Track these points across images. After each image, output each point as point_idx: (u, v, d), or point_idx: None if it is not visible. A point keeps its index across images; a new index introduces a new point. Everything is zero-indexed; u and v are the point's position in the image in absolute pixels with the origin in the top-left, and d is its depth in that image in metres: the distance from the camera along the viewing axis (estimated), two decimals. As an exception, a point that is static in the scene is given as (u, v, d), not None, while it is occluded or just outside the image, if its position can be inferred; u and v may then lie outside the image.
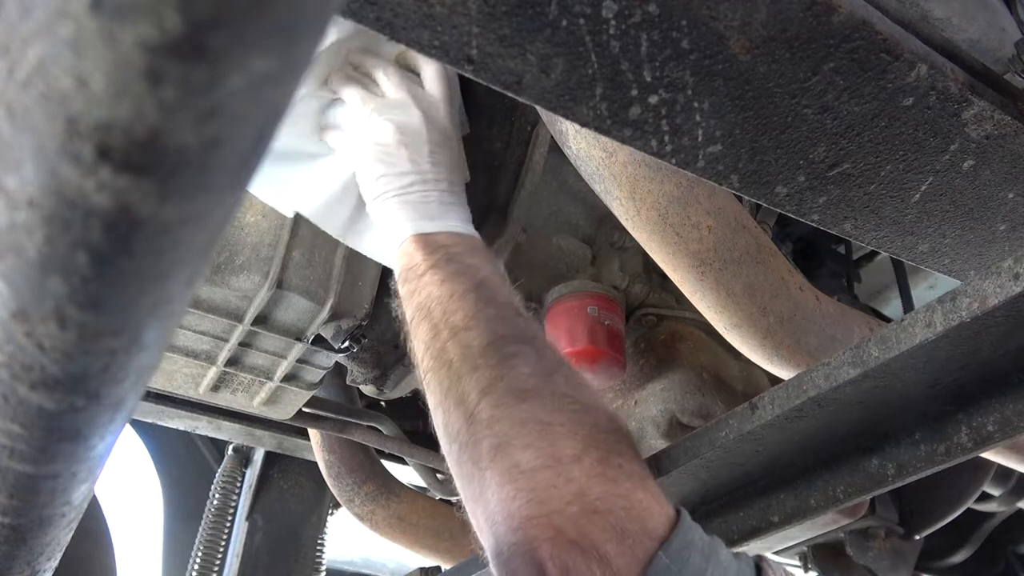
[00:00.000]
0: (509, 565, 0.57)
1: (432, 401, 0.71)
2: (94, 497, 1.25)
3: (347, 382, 1.21)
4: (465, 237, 0.81)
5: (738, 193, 0.71)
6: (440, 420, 0.70)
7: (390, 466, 1.72)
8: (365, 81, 0.89)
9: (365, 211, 0.90)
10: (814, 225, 0.77)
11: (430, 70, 0.91)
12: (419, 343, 0.75)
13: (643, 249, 0.97)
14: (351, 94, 0.88)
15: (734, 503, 0.90)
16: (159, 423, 1.52)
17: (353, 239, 0.94)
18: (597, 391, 0.70)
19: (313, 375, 1.16)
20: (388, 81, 0.88)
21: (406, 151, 0.83)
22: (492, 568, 0.60)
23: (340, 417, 1.45)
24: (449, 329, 0.71)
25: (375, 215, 0.85)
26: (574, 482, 0.58)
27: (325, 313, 1.01)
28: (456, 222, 0.82)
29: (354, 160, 0.88)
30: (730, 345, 1.03)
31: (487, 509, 0.61)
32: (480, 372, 0.66)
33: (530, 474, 0.59)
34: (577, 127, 0.72)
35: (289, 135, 0.91)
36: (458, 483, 0.67)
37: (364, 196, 0.87)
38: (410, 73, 0.92)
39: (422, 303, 0.75)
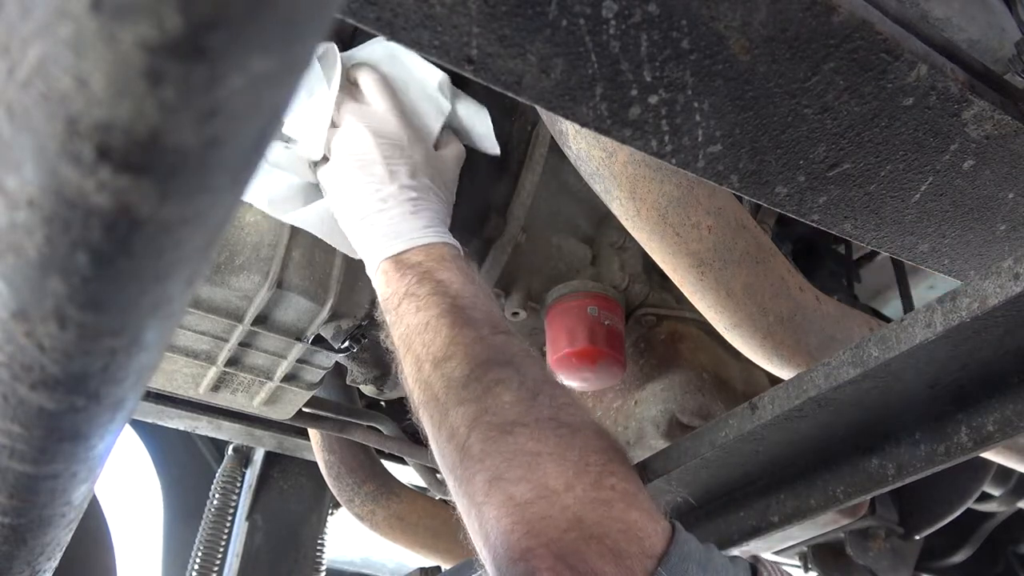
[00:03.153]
0: None
1: (428, 434, 0.72)
2: (94, 497, 1.25)
3: (347, 382, 1.21)
4: (434, 248, 0.80)
5: (738, 193, 0.71)
6: (436, 452, 0.70)
7: (390, 466, 1.72)
8: None
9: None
10: (814, 225, 0.77)
11: (367, 80, 0.90)
12: (408, 377, 0.75)
13: (643, 249, 0.97)
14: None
15: (734, 503, 0.91)
16: (159, 423, 1.52)
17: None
18: (583, 406, 0.70)
19: (313, 375, 1.16)
20: (335, 113, 0.88)
21: (360, 173, 0.83)
22: None
23: (340, 417, 1.45)
24: (431, 361, 0.71)
25: (353, 243, 0.85)
26: (568, 510, 0.58)
27: (325, 313, 1.01)
28: (422, 230, 0.81)
29: (324, 190, 0.89)
30: (730, 345, 1.03)
31: (488, 542, 0.62)
32: (465, 406, 0.67)
33: (525, 506, 0.59)
34: (577, 127, 0.72)
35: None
36: (460, 513, 0.67)
37: (341, 225, 0.87)
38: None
39: (403, 335, 0.75)
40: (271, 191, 0.92)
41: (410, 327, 0.74)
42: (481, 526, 0.62)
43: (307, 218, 0.91)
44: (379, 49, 0.93)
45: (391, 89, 0.90)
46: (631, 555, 0.56)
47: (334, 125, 0.88)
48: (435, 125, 0.93)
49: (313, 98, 0.88)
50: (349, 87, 0.91)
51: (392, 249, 0.80)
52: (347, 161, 0.84)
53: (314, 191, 0.95)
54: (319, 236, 0.93)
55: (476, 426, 0.65)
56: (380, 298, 0.81)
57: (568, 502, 0.59)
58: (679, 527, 0.60)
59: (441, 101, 0.93)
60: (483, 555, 0.64)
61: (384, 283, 0.80)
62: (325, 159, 0.89)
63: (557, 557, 0.56)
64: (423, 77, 0.93)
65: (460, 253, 0.82)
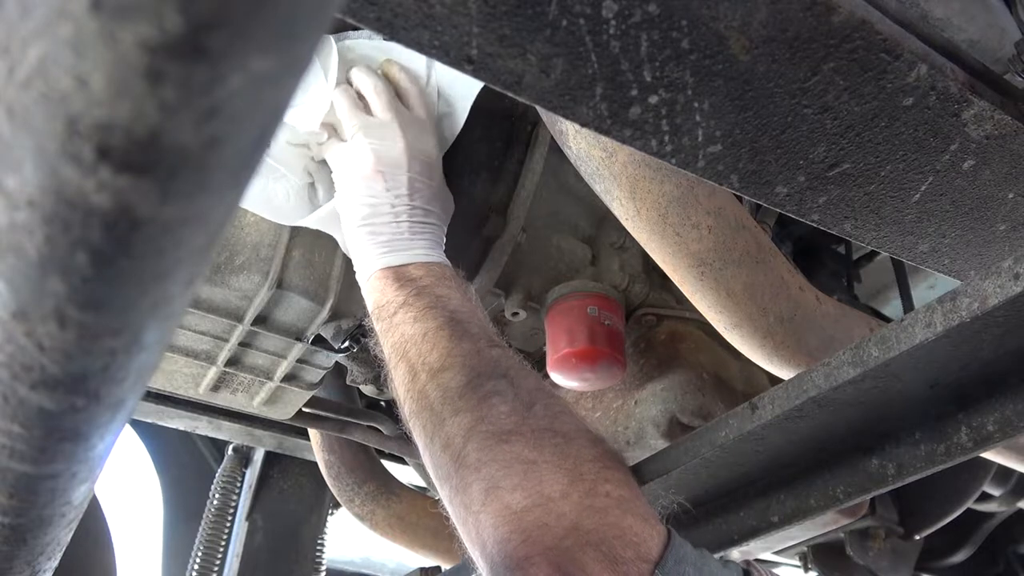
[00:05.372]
0: None
1: (420, 443, 0.72)
2: (94, 497, 1.25)
3: (347, 382, 1.21)
4: (434, 266, 0.81)
5: (738, 193, 0.71)
6: (429, 462, 0.71)
7: (390, 466, 1.72)
8: (355, 95, 0.89)
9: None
10: (814, 225, 0.77)
11: (414, 92, 0.90)
12: (399, 385, 0.75)
13: (643, 249, 0.97)
14: (342, 107, 0.88)
15: (734, 503, 0.90)
16: (159, 423, 1.52)
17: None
18: (577, 416, 0.71)
19: (313, 375, 1.16)
20: (378, 100, 0.87)
21: (383, 181, 0.83)
22: None
23: (340, 417, 1.45)
24: (427, 371, 0.72)
25: (348, 243, 0.85)
26: (565, 517, 0.59)
27: (325, 313, 1.01)
28: (425, 251, 0.82)
29: (336, 180, 0.88)
30: (730, 345, 1.03)
31: (485, 550, 0.62)
32: (461, 415, 0.67)
33: (522, 514, 0.60)
34: (577, 127, 0.72)
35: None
36: (454, 522, 0.68)
37: (341, 221, 0.86)
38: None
39: (396, 343, 0.76)
40: (273, 199, 0.91)
41: (406, 336, 0.75)
42: (478, 534, 0.63)
43: (320, 217, 0.91)
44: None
45: (433, 106, 0.91)
46: (627, 561, 0.57)
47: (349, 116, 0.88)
48: (443, 152, 0.93)
49: (309, 91, 0.87)
50: (387, 81, 0.90)
51: (392, 260, 0.80)
52: (370, 162, 0.83)
53: (313, 191, 0.94)
54: (336, 236, 0.93)
55: (472, 435, 0.66)
56: (372, 305, 0.81)
57: (564, 509, 0.60)
58: (674, 532, 0.61)
59: (459, 123, 0.93)
60: (479, 563, 0.64)
61: (380, 290, 0.80)
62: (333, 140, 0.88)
63: (554, 564, 0.57)
64: (452, 95, 0.93)
65: (457, 274, 0.83)
